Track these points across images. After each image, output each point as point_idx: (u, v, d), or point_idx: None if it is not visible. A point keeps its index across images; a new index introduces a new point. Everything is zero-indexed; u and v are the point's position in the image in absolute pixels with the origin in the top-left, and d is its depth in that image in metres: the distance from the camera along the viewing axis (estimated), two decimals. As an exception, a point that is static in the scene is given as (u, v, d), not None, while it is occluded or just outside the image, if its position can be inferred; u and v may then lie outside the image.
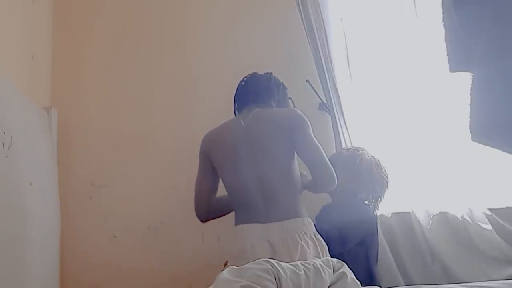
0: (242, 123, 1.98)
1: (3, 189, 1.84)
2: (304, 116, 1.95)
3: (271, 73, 2.13)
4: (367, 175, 2.12)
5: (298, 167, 1.96)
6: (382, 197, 2.16)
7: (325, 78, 2.35)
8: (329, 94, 2.35)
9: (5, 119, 1.90)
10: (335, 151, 2.32)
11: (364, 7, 2.49)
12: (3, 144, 1.85)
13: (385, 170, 2.16)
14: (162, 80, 2.65)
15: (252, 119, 1.97)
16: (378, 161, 2.17)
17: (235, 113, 2.10)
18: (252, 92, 2.07)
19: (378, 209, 2.17)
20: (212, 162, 2.01)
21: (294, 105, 2.16)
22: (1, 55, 2.11)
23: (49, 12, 2.70)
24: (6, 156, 1.87)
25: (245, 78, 2.13)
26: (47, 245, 2.27)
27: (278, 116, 1.99)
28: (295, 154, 1.93)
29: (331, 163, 1.93)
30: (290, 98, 2.15)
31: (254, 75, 2.13)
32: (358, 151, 2.19)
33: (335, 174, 1.88)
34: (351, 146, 2.30)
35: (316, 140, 1.92)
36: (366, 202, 2.16)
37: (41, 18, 2.62)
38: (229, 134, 1.99)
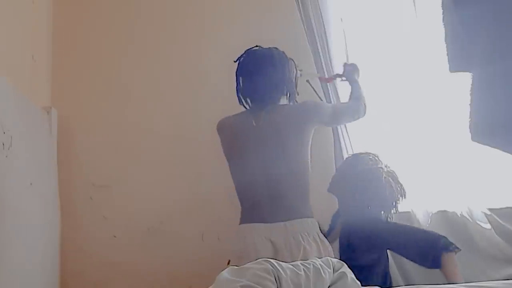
0: (254, 123, 1.97)
1: (3, 189, 1.84)
2: (314, 104, 2.04)
3: (273, 52, 2.03)
4: (375, 186, 2.02)
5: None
6: (393, 211, 2.05)
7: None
8: (329, 94, 2.35)
9: (5, 119, 1.90)
10: (333, 150, 2.32)
11: (364, 7, 2.49)
12: (3, 144, 1.85)
13: (397, 183, 2.05)
14: (162, 80, 2.65)
15: (264, 120, 1.95)
16: (392, 172, 2.06)
17: (242, 104, 2.06)
18: (261, 86, 1.99)
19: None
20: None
21: (300, 74, 2.13)
22: (1, 55, 2.11)
23: (49, 12, 2.70)
24: (6, 156, 1.87)
25: (249, 63, 2.03)
26: (47, 244, 2.27)
27: (290, 117, 1.95)
28: (309, 154, 1.94)
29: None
30: (299, 70, 2.11)
31: (257, 61, 2.02)
32: (374, 162, 2.08)
33: (353, 109, 2.13)
34: (370, 152, 2.17)
35: (330, 109, 2.10)
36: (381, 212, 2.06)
37: (41, 18, 2.62)
38: (240, 135, 1.99)
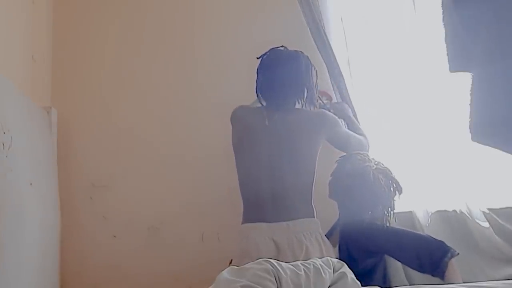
0: (266, 122, 1.97)
1: (3, 189, 1.84)
2: (331, 117, 2.01)
3: (299, 54, 2.01)
4: (364, 184, 1.99)
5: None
6: (390, 209, 2.01)
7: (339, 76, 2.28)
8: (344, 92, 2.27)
9: (5, 119, 1.90)
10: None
11: (364, 7, 2.49)
12: (3, 144, 1.85)
13: (390, 180, 2.01)
14: (163, 80, 2.65)
15: (277, 121, 1.95)
16: (383, 169, 2.02)
17: (258, 96, 2.05)
18: (281, 87, 1.98)
19: (389, 223, 2.02)
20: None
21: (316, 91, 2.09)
22: (1, 55, 2.11)
23: (49, 12, 2.70)
24: (6, 156, 1.87)
25: (273, 61, 2.01)
26: (47, 245, 2.27)
27: (304, 121, 1.96)
28: (316, 158, 1.95)
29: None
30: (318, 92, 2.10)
31: (282, 61, 1.99)
32: (363, 161, 2.06)
33: (363, 144, 2.10)
34: (359, 152, 2.15)
35: (344, 132, 2.06)
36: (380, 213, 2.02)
37: (41, 18, 2.62)
38: (251, 131, 1.98)
